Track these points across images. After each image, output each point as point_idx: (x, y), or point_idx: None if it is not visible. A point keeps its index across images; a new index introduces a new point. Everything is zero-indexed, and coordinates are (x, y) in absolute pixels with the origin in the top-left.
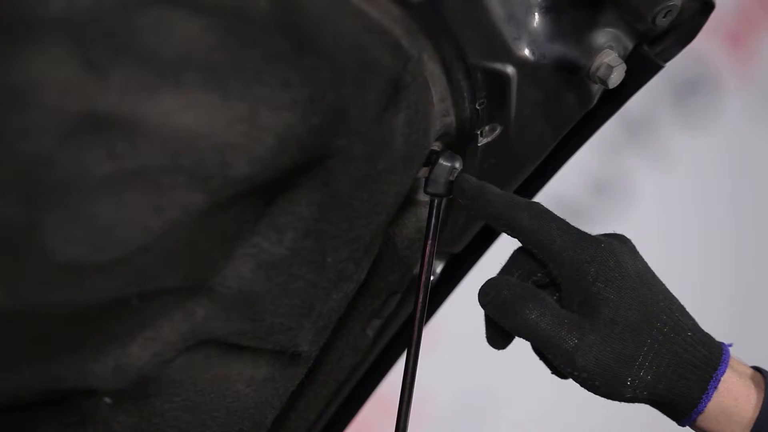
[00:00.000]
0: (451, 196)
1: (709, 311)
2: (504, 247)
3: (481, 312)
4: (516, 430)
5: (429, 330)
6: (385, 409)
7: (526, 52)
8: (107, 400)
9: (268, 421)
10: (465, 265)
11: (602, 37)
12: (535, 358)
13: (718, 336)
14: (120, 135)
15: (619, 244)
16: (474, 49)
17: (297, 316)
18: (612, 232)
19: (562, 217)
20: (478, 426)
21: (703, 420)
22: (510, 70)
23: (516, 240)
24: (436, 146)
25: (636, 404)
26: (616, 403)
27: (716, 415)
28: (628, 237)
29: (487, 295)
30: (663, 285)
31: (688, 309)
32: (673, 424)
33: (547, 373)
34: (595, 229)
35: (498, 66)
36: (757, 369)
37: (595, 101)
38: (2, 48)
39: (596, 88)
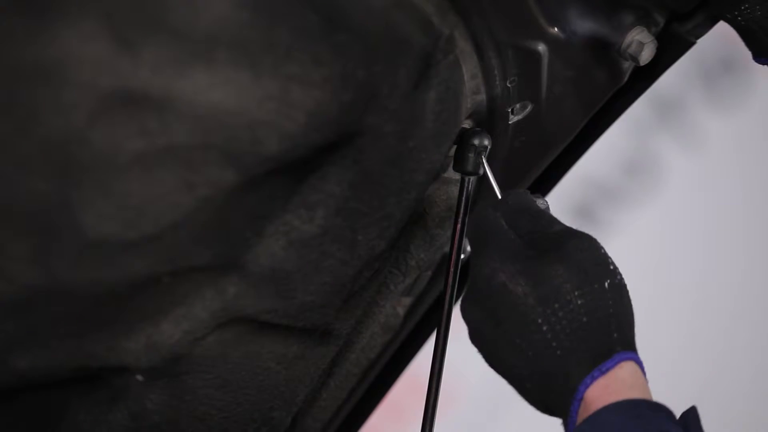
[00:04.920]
0: (481, 174)
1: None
2: None
3: None
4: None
5: (459, 308)
6: (415, 389)
7: (557, 29)
8: (139, 377)
9: (299, 398)
10: None
11: (633, 13)
12: None
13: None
14: (151, 112)
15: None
16: (505, 27)
17: (328, 294)
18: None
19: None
20: (508, 406)
21: None
22: (541, 47)
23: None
24: (467, 124)
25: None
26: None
27: None
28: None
29: None
30: None
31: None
32: None
33: None
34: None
35: (529, 43)
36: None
37: (626, 78)
38: (32, 24)
39: (627, 65)
